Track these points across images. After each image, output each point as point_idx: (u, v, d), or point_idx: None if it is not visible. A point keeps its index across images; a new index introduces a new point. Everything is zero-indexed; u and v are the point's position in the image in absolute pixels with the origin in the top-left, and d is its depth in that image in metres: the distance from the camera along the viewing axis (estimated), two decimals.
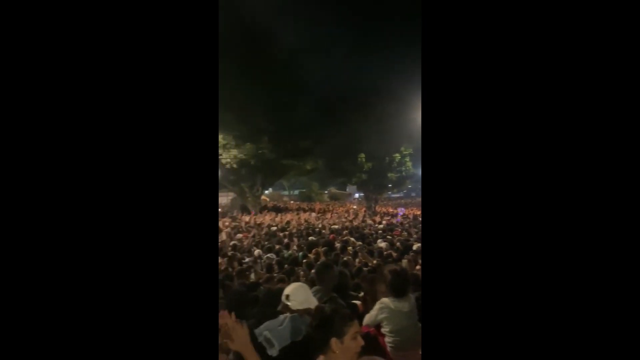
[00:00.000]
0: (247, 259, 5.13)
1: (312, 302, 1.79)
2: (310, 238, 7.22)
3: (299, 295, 1.79)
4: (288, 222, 11.51)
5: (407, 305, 1.98)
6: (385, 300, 2.02)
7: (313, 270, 3.15)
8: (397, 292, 2.00)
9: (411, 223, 11.27)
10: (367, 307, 2.24)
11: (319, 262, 2.84)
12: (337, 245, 5.84)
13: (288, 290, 1.84)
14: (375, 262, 4.54)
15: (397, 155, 18.43)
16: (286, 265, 4.23)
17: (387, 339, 2.00)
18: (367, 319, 2.07)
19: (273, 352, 1.52)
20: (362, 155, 18.50)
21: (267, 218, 14.17)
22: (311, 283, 2.68)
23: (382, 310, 2.00)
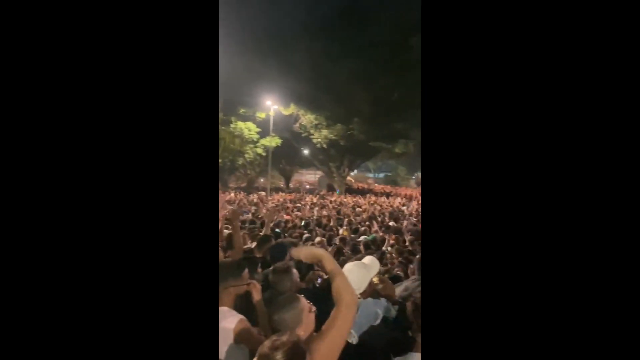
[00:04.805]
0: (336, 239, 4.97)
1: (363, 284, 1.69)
2: (391, 223, 7.01)
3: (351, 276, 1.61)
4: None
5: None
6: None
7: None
8: None
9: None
10: None
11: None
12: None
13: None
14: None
15: None
16: (372, 247, 4.11)
17: None
18: None
19: (354, 340, 1.50)
20: None
21: (349, 199, 14.22)
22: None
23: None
